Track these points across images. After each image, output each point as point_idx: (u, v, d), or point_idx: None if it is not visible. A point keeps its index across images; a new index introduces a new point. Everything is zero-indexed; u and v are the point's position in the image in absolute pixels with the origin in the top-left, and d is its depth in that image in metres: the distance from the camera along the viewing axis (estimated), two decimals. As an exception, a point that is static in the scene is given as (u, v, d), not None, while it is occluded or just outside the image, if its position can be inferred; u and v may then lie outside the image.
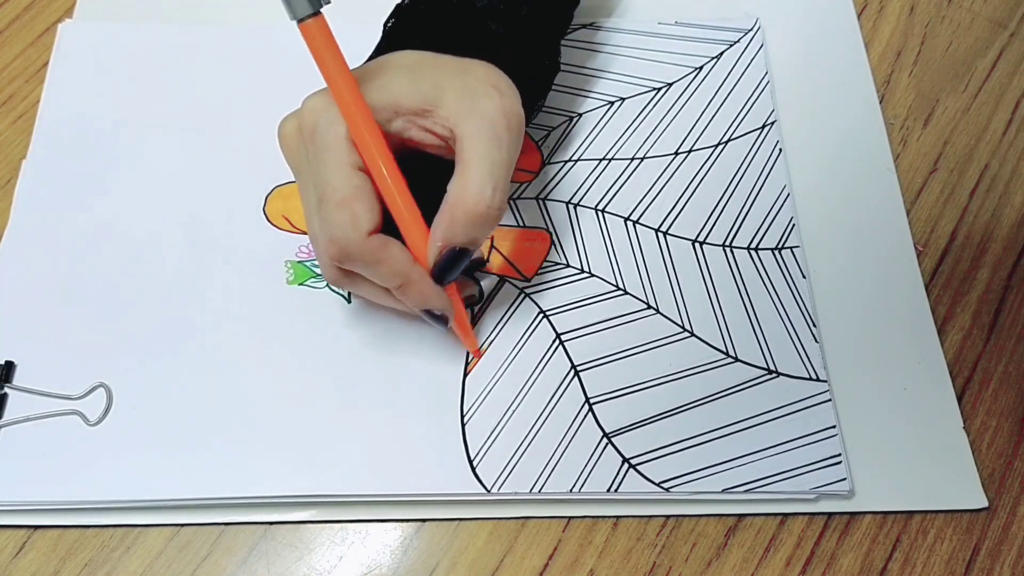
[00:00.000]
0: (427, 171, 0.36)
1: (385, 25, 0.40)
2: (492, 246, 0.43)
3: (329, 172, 0.34)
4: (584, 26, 0.50)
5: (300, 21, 0.32)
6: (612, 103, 0.48)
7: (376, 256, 0.34)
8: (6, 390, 0.39)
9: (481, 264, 0.43)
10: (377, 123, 0.34)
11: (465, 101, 0.34)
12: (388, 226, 0.35)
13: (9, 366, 0.40)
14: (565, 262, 0.43)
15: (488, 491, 0.37)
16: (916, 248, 0.44)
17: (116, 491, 0.37)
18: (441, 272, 0.35)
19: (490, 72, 0.35)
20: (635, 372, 0.40)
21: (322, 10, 0.32)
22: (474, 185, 0.33)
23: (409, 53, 0.36)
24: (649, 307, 0.42)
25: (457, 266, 0.35)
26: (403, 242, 0.35)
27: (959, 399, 0.40)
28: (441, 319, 0.37)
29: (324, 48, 0.33)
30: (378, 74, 0.35)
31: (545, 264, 0.43)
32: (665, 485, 0.38)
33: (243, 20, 0.50)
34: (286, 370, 0.40)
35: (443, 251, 0.35)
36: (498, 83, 0.35)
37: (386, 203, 0.35)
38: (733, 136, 0.46)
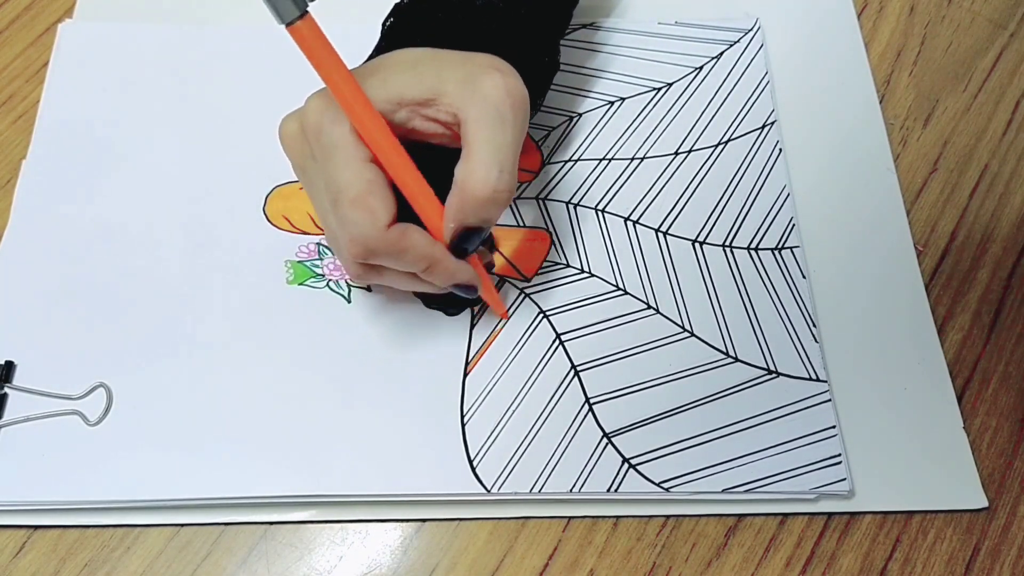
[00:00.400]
0: (434, 161, 0.36)
1: (384, 25, 0.40)
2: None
3: (339, 170, 0.34)
4: (584, 26, 0.50)
5: (289, 24, 0.32)
6: (612, 103, 0.48)
7: (399, 246, 0.34)
8: (6, 390, 0.39)
9: (490, 242, 0.42)
10: (379, 112, 0.34)
11: (467, 85, 0.34)
12: (402, 210, 0.35)
13: (9, 366, 0.40)
14: (565, 262, 0.43)
15: (488, 491, 0.37)
16: (916, 248, 0.44)
17: (116, 491, 0.37)
18: (459, 247, 0.36)
19: (491, 58, 0.35)
20: (635, 372, 0.40)
21: (310, 10, 0.32)
22: (480, 169, 0.33)
23: (409, 50, 0.36)
24: (649, 307, 0.42)
25: (474, 240, 0.36)
26: (418, 223, 0.35)
27: (959, 399, 0.40)
28: (470, 289, 0.37)
29: (317, 47, 0.33)
30: (379, 71, 0.35)
31: (545, 264, 0.43)
32: (665, 485, 0.38)
33: (243, 20, 0.50)
34: (286, 370, 0.40)
35: (457, 232, 0.35)
36: (500, 65, 0.35)
37: (399, 188, 0.35)
38: (733, 136, 0.46)
